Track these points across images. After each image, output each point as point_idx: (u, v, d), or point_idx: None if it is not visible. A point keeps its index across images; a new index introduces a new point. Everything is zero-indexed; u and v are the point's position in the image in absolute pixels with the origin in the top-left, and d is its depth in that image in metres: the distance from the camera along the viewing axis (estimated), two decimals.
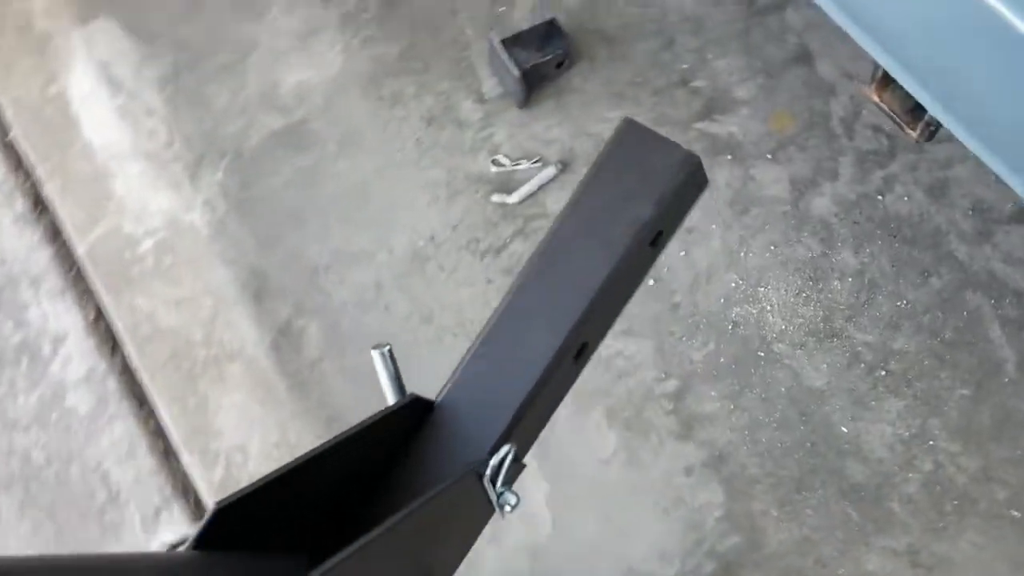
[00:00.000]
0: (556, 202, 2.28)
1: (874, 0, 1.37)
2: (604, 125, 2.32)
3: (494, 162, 2.32)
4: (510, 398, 0.71)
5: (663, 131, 2.41)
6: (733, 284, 2.15)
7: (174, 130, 2.44)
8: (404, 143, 2.37)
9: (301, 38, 2.50)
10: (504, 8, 2.46)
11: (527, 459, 0.80)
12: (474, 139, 2.36)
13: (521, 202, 2.28)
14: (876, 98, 1.69)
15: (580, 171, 2.29)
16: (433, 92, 2.40)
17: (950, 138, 2.18)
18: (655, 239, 0.77)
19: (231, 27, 2.53)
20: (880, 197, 2.18)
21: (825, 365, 2.07)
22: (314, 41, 2.49)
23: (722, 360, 2.10)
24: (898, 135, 2.22)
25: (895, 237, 2.15)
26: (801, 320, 2.12)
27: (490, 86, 2.39)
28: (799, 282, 2.14)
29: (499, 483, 0.70)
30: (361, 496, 0.70)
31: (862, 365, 2.06)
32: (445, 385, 0.73)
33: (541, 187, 2.28)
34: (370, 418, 0.68)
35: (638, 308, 2.15)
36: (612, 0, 2.43)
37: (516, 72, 2.22)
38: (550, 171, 2.27)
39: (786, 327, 2.11)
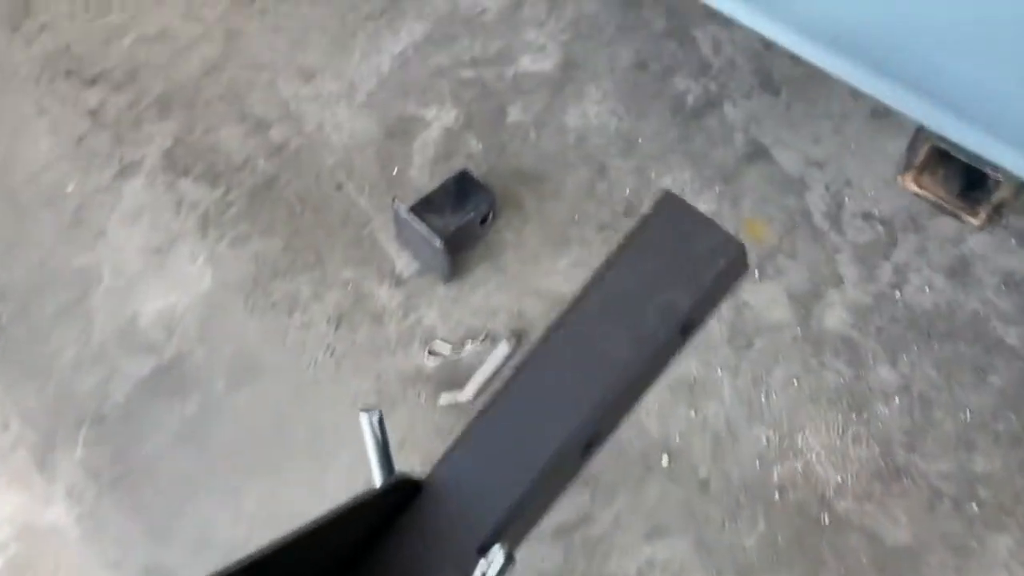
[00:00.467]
0: None
1: (927, 54, 1.06)
2: (554, 278, 1.94)
3: (431, 353, 1.89)
4: (506, 489, 0.67)
5: None
6: (764, 439, 1.76)
7: (7, 408, 1.90)
8: (314, 355, 1.92)
9: (154, 255, 2.05)
10: (398, 169, 2.09)
11: None
12: (399, 330, 1.93)
13: (478, 396, 1.84)
14: (914, 187, 1.38)
15: None
16: (336, 285, 1.98)
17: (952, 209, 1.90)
18: (686, 327, 0.72)
19: (62, 258, 2.05)
20: (897, 293, 1.87)
21: (903, 514, 1.68)
22: (172, 256, 2.04)
23: (780, 539, 1.68)
24: (893, 219, 1.93)
25: (930, 336, 1.82)
26: (857, 464, 1.73)
27: (404, 262, 1.99)
28: (839, 417, 1.78)
29: None
30: None
31: (947, 502, 1.69)
32: (438, 462, 0.70)
33: (497, 371, 1.86)
34: (353, 500, 0.65)
35: (659, 496, 1.72)
36: (521, 135, 2.10)
37: (438, 242, 1.83)
38: (503, 348, 1.86)
39: (843, 478, 1.72)
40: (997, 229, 1.91)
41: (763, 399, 1.80)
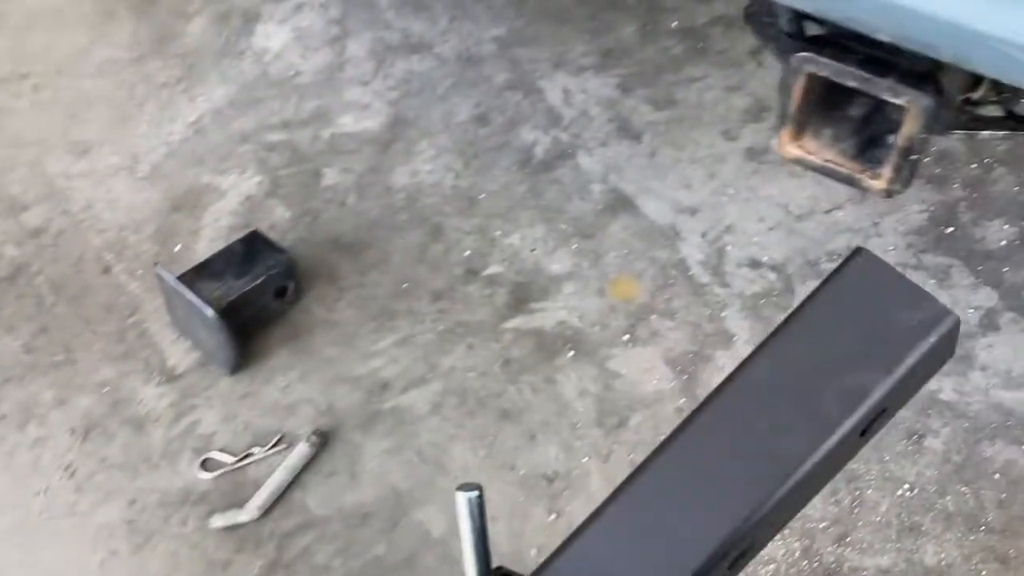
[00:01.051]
0: (323, 498, 1.42)
1: None
2: (374, 361, 1.56)
3: (205, 464, 1.46)
4: None
5: (463, 344, 1.50)
6: None
7: None
8: (47, 479, 1.47)
9: None
10: (181, 245, 1.73)
11: None
12: (166, 439, 1.50)
13: (265, 514, 1.40)
14: (796, 151, 1.07)
15: (350, 438, 1.48)
16: (88, 387, 1.56)
17: (857, 244, 1.62)
18: (872, 421, 0.58)
19: None
20: None
21: None
22: None
23: None
24: (787, 264, 1.63)
25: None
26: (774, 565, 1.34)
27: (180, 353, 1.59)
28: None
29: None
30: None
31: None
32: (544, 563, 0.58)
33: (293, 480, 1.43)
34: None
35: None
36: (339, 199, 1.78)
37: (210, 314, 1.44)
38: (301, 451, 1.45)
39: None
40: (910, 270, 1.62)
41: None
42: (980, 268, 1.62)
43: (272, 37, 2.08)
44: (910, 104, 0.94)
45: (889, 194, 1.03)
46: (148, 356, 1.61)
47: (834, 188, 1.72)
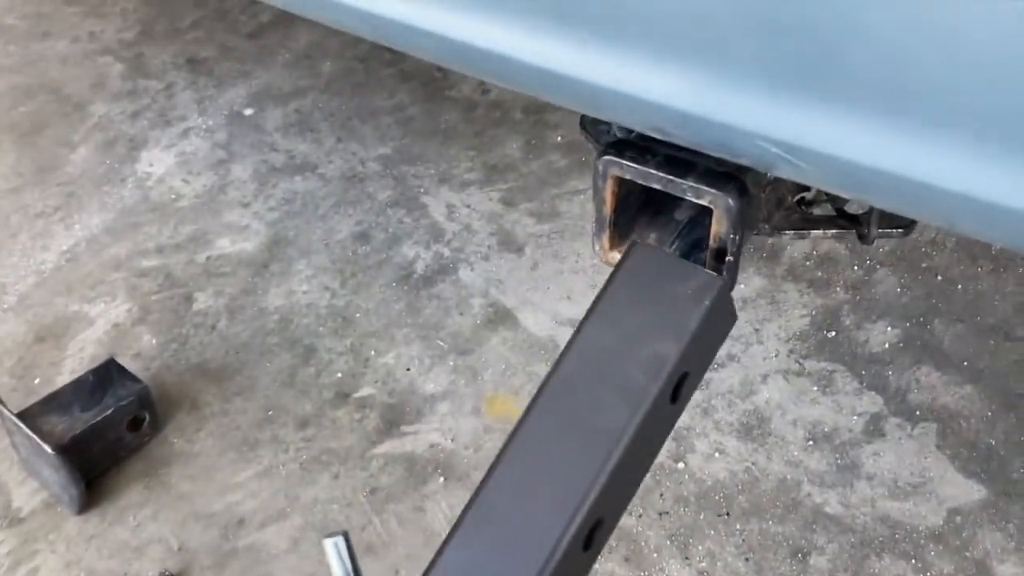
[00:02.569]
0: None
1: None
2: (233, 495, 1.46)
3: None
4: None
5: (328, 473, 1.43)
6: None
7: None
8: None
9: None
10: (40, 378, 1.64)
11: None
12: None
13: None
14: (619, 258, 1.01)
15: None
16: None
17: (738, 353, 1.57)
18: (678, 387, 0.64)
19: None
20: (681, 465, 1.46)
21: None
22: None
23: None
24: None
25: (730, 516, 1.40)
26: None
27: (27, 495, 1.48)
28: None
29: None
30: None
31: None
32: None
33: None
34: None
35: None
36: (209, 324, 1.71)
37: (48, 450, 1.35)
38: None
39: None
40: (792, 376, 1.57)
41: None
42: (864, 372, 1.57)
43: (156, 163, 2.05)
44: (712, 204, 0.90)
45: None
46: None
47: None
